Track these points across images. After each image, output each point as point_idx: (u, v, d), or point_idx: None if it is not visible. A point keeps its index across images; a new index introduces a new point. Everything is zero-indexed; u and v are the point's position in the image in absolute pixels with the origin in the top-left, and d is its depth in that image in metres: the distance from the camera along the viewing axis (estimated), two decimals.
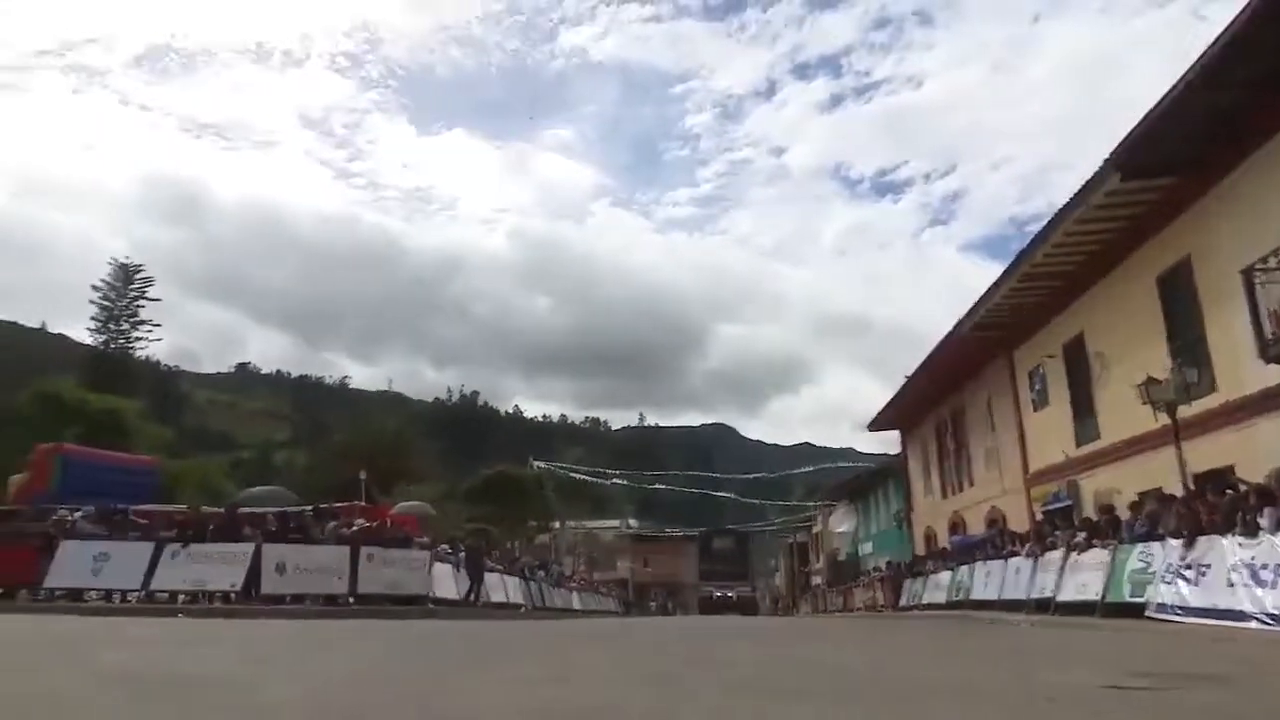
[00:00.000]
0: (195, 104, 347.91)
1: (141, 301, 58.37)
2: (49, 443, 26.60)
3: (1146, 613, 11.49)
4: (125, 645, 6.04)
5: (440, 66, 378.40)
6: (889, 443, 37.00)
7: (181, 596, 15.31)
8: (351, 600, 15.74)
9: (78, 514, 17.26)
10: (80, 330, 67.92)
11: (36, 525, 17.08)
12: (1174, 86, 11.96)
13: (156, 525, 17.38)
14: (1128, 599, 12.28)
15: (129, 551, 15.86)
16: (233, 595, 15.11)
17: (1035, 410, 21.72)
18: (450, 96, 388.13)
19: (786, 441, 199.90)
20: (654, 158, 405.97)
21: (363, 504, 23.90)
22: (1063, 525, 16.87)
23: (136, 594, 15.35)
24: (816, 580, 55.52)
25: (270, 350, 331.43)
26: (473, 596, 19.41)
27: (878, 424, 34.25)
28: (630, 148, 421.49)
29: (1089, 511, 17.53)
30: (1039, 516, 20.31)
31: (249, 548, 15.70)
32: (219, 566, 15.48)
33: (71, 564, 15.63)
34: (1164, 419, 13.89)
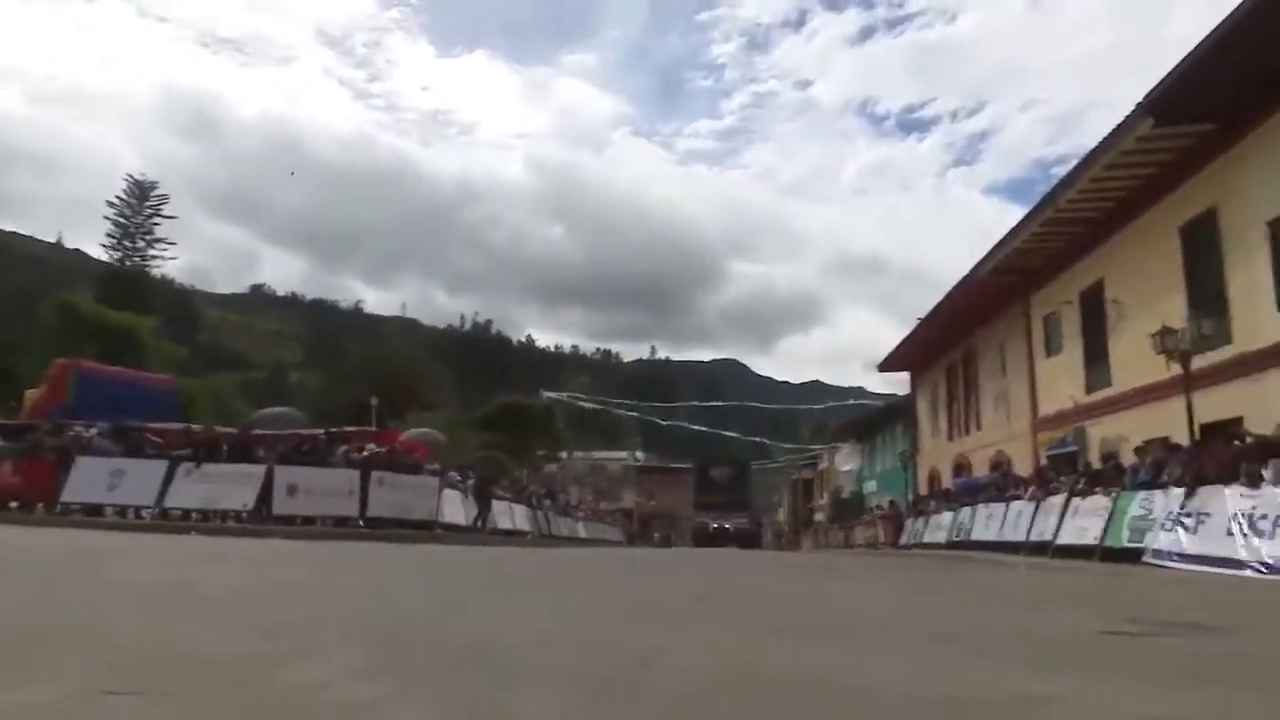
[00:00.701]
0: (214, 17, 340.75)
1: (157, 219, 58.17)
2: (66, 358, 26.90)
3: (1144, 558, 11.60)
4: (138, 559, 6.19)
5: None
6: (899, 384, 37.07)
7: (194, 514, 15.60)
8: (361, 523, 16.02)
9: (93, 430, 17.49)
10: (95, 246, 67.97)
11: (53, 440, 17.36)
12: (1213, 32, 11.58)
13: (171, 443, 17.66)
14: (1126, 544, 12.38)
15: (143, 469, 16.12)
16: (244, 515, 15.40)
17: (1048, 356, 21.63)
18: (472, 17, 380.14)
19: (797, 379, 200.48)
20: (676, 87, 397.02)
21: (374, 429, 24.20)
22: (1067, 471, 16.95)
23: (150, 511, 15.66)
24: (819, 516, 56.25)
25: (285, 272, 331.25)
26: (480, 523, 19.77)
27: (889, 365, 34.22)
28: (653, 76, 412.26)
29: (1094, 458, 17.59)
30: (1044, 461, 20.39)
31: (261, 469, 15.95)
32: (231, 486, 15.74)
33: (88, 480, 15.91)
34: (1176, 369, 13.81)
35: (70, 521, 14.90)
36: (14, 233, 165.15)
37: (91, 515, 15.61)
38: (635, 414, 69.36)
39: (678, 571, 9.18)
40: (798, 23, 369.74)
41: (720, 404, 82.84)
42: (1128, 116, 13.86)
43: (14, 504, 16.59)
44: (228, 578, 5.05)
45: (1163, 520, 11.66)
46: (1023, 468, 21.42)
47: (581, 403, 57.01)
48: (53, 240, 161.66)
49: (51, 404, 23.04)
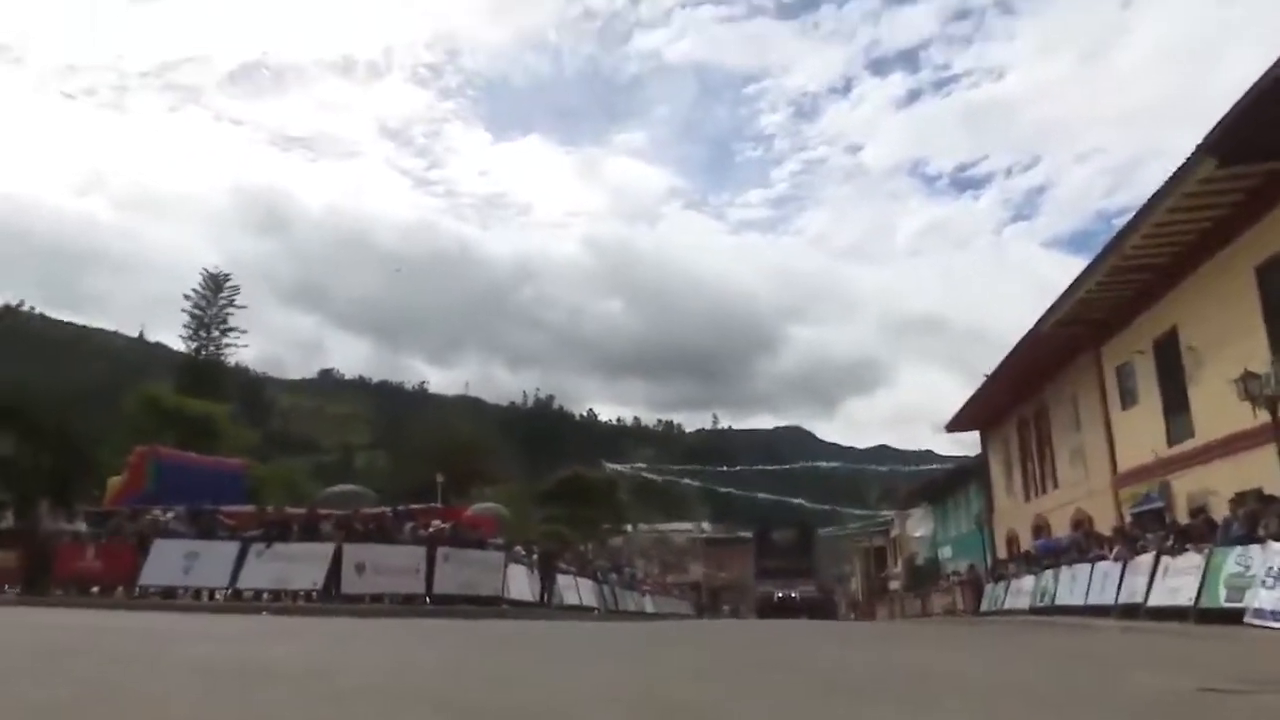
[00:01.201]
0: (284, 118, 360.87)
1: (230, 309, 60.67)
2: (147, 445, 27.86)
3: (1245, 619, 10.92)
4: (211, 640, 6.26)
5: (516, 74, 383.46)
6: (968, 445, 36.08)
7: (265, 594, 15.80)
8: (428, 600, 16.02)
9: (169, 515, 17.95)
10: (174, 338, 70.95)
11: (133, 525, 17.86)
12: (1273, 66, 11.36)
13: (243, 525, 18.02)
14: (1223, 604, 11.70)
15: (217, 551, 16.44)
16: (314, 594, 15.53)
17: (1124, 408, 20.89)
18: (526, 103, 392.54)
19: (863, 444, 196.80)
20: (727, 159, 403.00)
21: (439, 505, 24.39)
22: (1153, 528, 16.18)
23: (224, 592, 15.92)
24: (894, 584, 54.49)
25: (352, 356, 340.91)
26: (546, 597, 19.60)
27: (957, 424, 33.39)
28: (703, 149, 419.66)
29: (1181, 513, 16.79)
30: (1128, 518, 19.52)
31: (330, 547, 16.13)
32: (301, 565, 15.93)
33: (164, 562, 16.27)
34: (1263, 415, 13.19)
35: (147, 604, 15.23)
36: (100, 329, 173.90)
37: (167, 597, 15.95)
38: (698, 483, 68.63)
39: (747, 645, 8.94)
40: (844, 89, 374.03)
41: (783, 467, 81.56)
42: (1189, 159, 13.60)
43: (95, 589, 17.07)
44: (296, 656, 5.07)
45: (1263, 577, 10.99)
46: (1104, 526, 20.50)
47: (644, 474, 56.66)
48: (134, 335, 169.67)
49: (132, 490, 23.80)
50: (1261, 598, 10.88)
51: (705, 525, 73.88)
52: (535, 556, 20.79)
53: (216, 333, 59.77)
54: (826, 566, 51.67)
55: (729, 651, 6.59)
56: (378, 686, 2.98)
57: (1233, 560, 11.94)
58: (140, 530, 17.30)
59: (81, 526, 18.38)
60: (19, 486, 32.36)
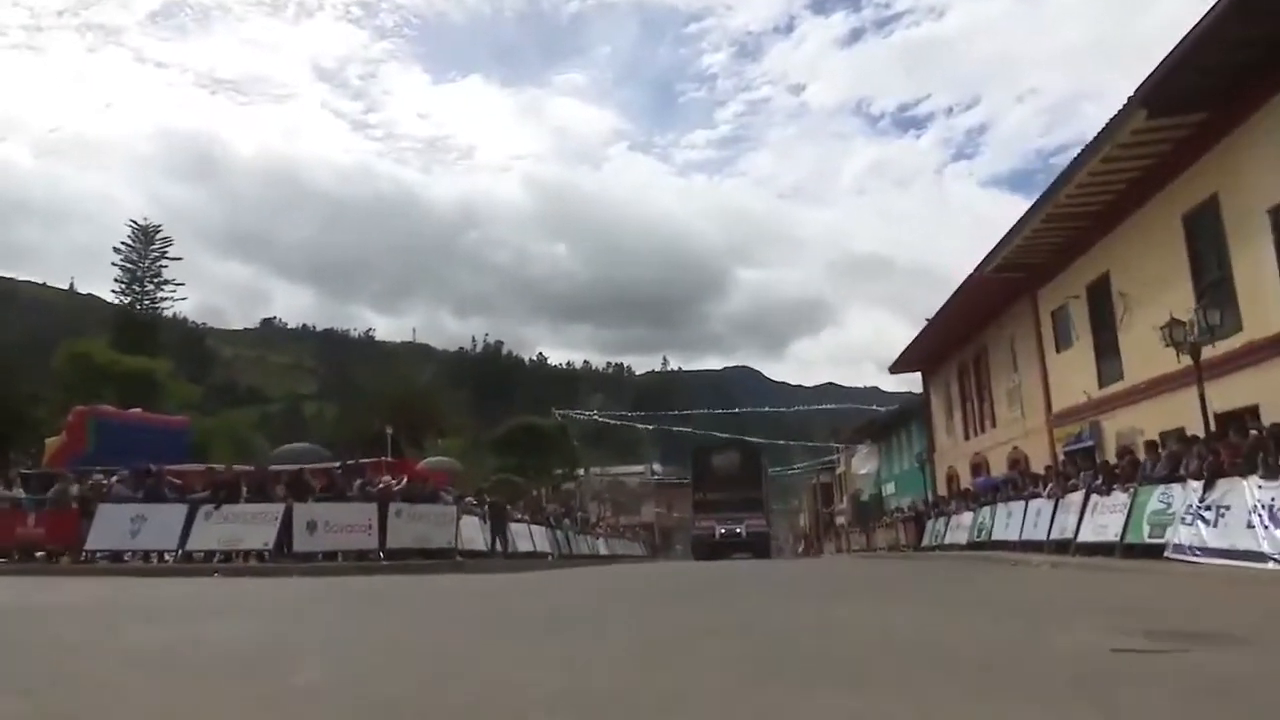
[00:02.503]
0: (210, 59, 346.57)
1: (164, 261, 58.98)
2: (83, 405, 27.17)
3: (1165, 553, 11.52)
4: (159, 619, 6.27)
5: (454, 12, 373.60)
6: (913, 382, 36.97)
7: (216, 555, 15.71)
8: (381, 556, 16.09)
9: (114, 479, 17.63)
10: (106, 290, 68.73)
11: (77, 488, 17.51)
12: (1203, 18, 11.58)
13: (192, 484, 17.80)
14: (1147, 540, 12.33)
15: (164, 513, 16.26)
16: (266, 554, 15.49)
17: (1058, 351, 21.57)
18: (465, 43, 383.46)
19: (810, 382, 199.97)
20: (670, 100, 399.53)
21: (389, 459, 24.31)
22: (1085, 466, 16.87)
23: (173, 554, 15.79)
24: (840, 520, 56.07)
25: (296, 304, 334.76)
26: (500, 546, 19.84)
27: (899, 366, 34.17)
28: (646, 90, 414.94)
29: (1110, 452, 17.50)
30: (1061, 457, 20.29)
31: (280, 507, 16.06)
32: (252, 526, 15.87)
33: (110, 527, 16.07)
34: (1186, 360, 13.75)
35: (95, 570, 15.06)
36: (28, 281, 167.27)
37: (115, 561, 15.78)
38: (650, 426, 69.30)
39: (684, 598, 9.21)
40: (786, 28, 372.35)
41: (735, 410, 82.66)
42: (1121, 110, 13.88)
43: (39, 554, 16.78)
44: (239, 634, 5.12)
45: (1182, 514, 11.58)
46: (1039, 464, 21.32)
47: (595, 418, 56.99)
48: (65, 287, 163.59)
49: (72, 451, 23.28)
50: (1181, 534, 11.47)
51: (657, 467, 74.87)
52: (487, 508, 20.93)
53: (150, 285, 58.23)
54: (774, 499, 43.61)
55: (672, 614, 6.81)
56: (321, 686, 3.07)
57: (1155, 498, 12.55)
58: (83, 494, 17.00)
59: (19, 492, 17.95)
60: None
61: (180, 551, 15.80)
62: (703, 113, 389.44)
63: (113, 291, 59.71)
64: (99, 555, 16.07)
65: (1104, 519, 13.92)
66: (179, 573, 14.38)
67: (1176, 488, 12.08)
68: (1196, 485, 11.48)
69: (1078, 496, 15.28)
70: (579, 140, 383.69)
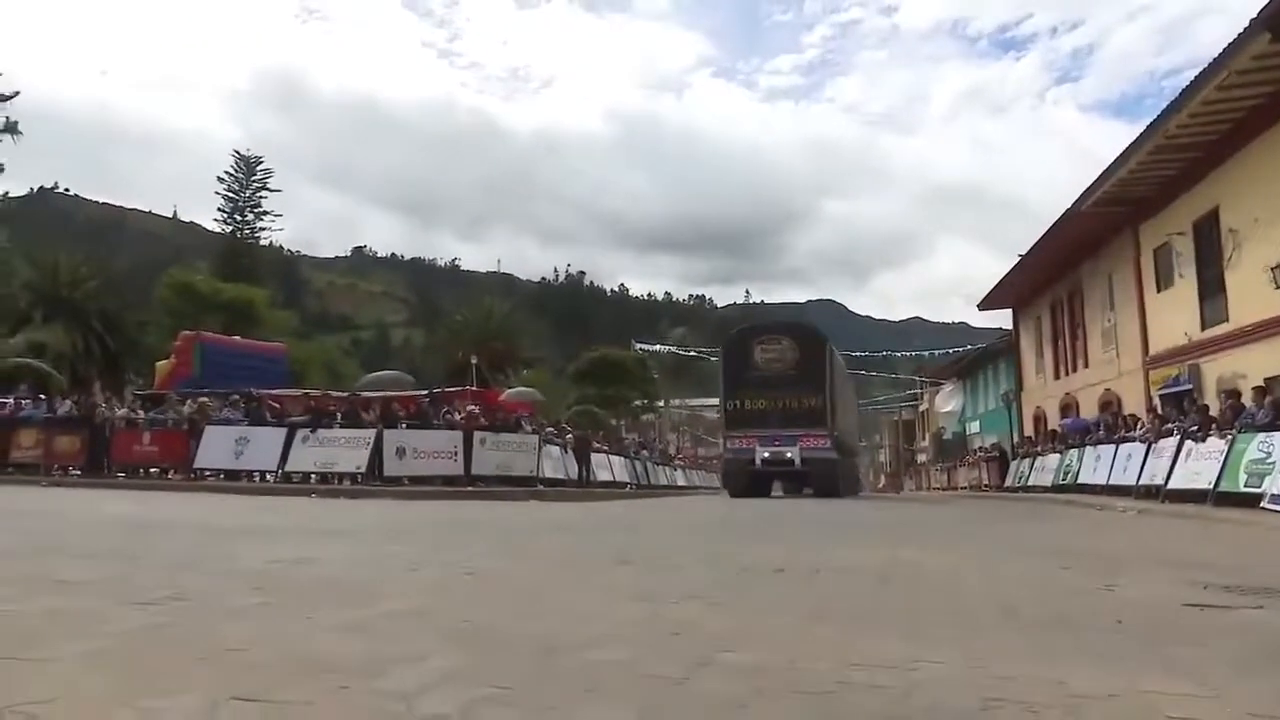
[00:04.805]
0: None
1: (264, 192, 60.86)
2: (189, 330, 28.66)
3: (1261, 504, 11.15)
4: (267, 537, 6.73)
5: None
6: (1003, 317, 35.84)
7: (313, 477, 16.61)
8: (472, 482, 16.76)
9: (224, 408, 18.61)
10: (207, 219, 71.63)
11: (183, 410, 18.66)
12: None
13: (288, 408, 18.77)
14: (1242, 489, 11.93)
15: (265, 436, 17.23)
16: (358, 477, 16.30)
17: (1159, 290, 20.64)
18: None
19: (896, 317, 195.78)
20: (755, 23, 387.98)
21: (474, 388, 25.03)
22: (1181, 410, 16.29)
23: (274, 474, 16.76)
24: (921, 458, 55.45)
25: (385, 234, 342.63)
26: (583, 477, 20.44)
27: (989, 303, 33.13)
28: (731, 14, 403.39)
29: (1210, 397, 16.82)
30: (1156, 400, 19.60)
31: (371, 433, 16.81)
32: (345, 450, 16.68)
33: (216, 447, 17.14)
34: None
35: (203, 486, 16.15)
36: (135, 209, 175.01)
37: (230, 479, 16.85)
38: None
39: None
40: None
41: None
42: (1242, 33, 12.93)
43: (153, 470, 18.06)
44: (335, 557, 5.47)
45: None
46: (1133, 407, 20.64)
47: (675, 352, 57.17)
48: (169, 215, 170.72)
49: (180, 374, 24.71)
50: (1279, 484, 11.06)
51: None
52: (569, 438, 21.47)
53: (251, 215, 60.23)
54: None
55: (740, 551, 6.99)
56: (412, 613, 3.30)
57: (1255, 446, 12.09)
58: (191, 416, 18.10)
59: (139, 413, 19.23)
60: (71, 371, 33.66)
61: (280, 472, 16.76)
62: (789, 37, 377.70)
63: (214, 220, 62.23)
64: (206, 473, 17.18)
65: (1198, 465, 13.49)
66: (279, 492, 15.29)
67: (1278, 436, 11.61)
68: None
69: (1171, 441, 14.82)
70: (661, 67, 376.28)
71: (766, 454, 21.51)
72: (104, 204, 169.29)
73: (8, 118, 38.69)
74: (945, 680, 2.28)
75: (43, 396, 20.90)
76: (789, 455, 21.48)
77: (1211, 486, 12.63)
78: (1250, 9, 12.69)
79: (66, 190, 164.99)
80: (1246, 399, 13.97)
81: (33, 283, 40.56)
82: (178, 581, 3.88)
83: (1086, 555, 6.31)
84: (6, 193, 43.29)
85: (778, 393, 21.99)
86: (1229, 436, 12.94)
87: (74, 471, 18.03)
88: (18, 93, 39.27)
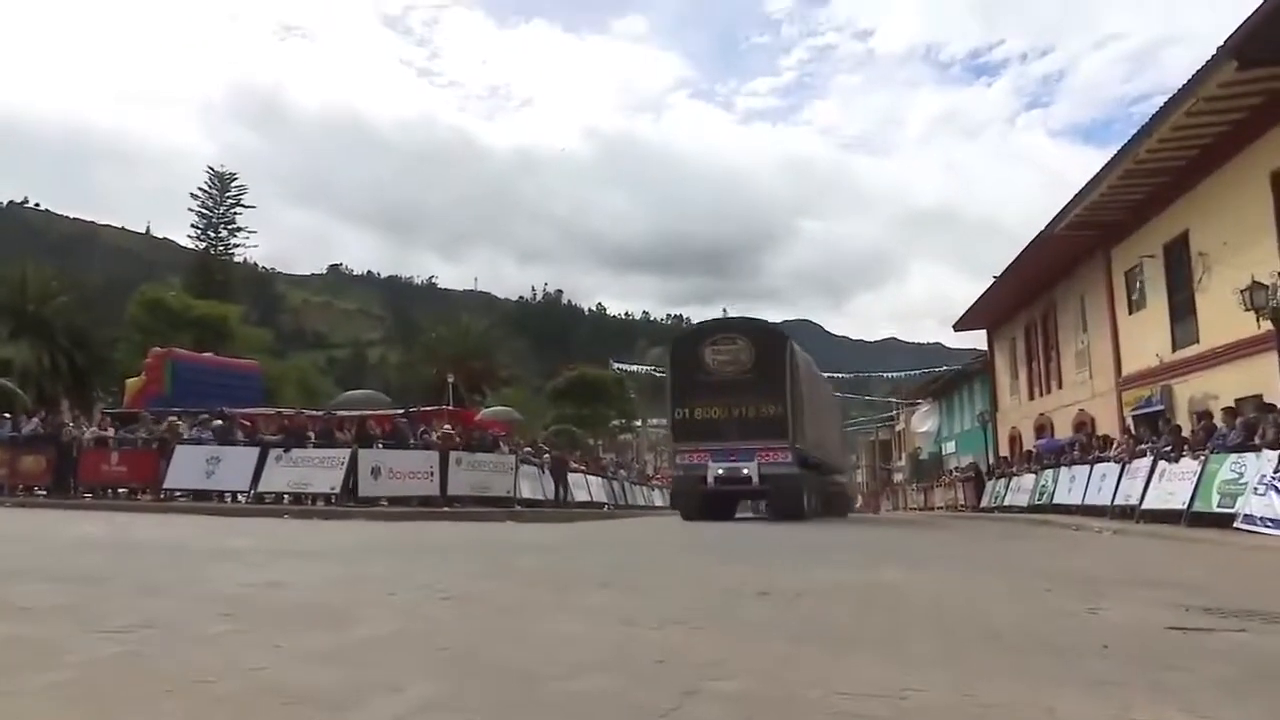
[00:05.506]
0: (279, 5, 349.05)
1: (238, 208, 60.42)
2: (161, 347, 28.27)
3: (1234, 524, 11.26)
4: (231, 559, 6.59)
5: None
6: (978, 338, 36.18)
7: (286, 497, 16.35)
8: (449, 502, 16.56)
9: (194, 427, 18.30)
10: (181, 235, 70.90)
11: (154, 429, 18.34)
12: None
13: (259, 428, 18.49)
14: (1215, 509, 12.06)
15: (238, 456, 16.94)
16: (333, 498, 16.06)
17: (1131, 312, 20.91)
18: None
19: (871, 337, 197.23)
20: (733, 46, 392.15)
21: (450, 408, 24.84)
22: (1154, 430, 16.46)
23: (246, 495, 16.47)
24: (898, 477, 55.66)
25: (362, 251, 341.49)
26: (561, 496, 20.29)
27: (964, 323, 33.46)
28: (708, 36, 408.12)
29: (1182, 417, 17.02)
30: (1129, 421, 19.80)
31: (346, 453, 16.59)
32: (319, 470, 16.44)
33: (187, 467, 16.82)
34: (1268, 324, 13.23)
35: (173, 507, 15.83)
36: (107, 225, 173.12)
37: (199, 500, 16.51)
38: None
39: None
40: None
41: None
42: (1209, 60, 13.19)
43: (122, 490, 17.70)
44: (310, 580, 5.35)
45: (1255, 484, 11.28)
46: (1106, 428, 20.84)
47: (653, 373, 57.11)
48: (142, 230, 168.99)
49: (150, 392, 24.34)
50: (1252, 504, 11.20)
51: None
52: (546, 458, 21.33)
53: (225, 232, 59.74)
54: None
55: (721, 573, 6.94)
56: (386, 639, 3.23)
57: (1228, 467, 12.23)
58: (161, 436, 17.78)
59: (109, 431, 18.88)
60: (37, 389, 33.06)
61: (252, 493, 16.49)
62: (766, 60, 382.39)
63: (188, 236, 61.64)
64: (176, 494, 16.86)
65: (1172, 486, 13.62)
66: (251, 513, 15.03)
67: (1250, 457, 11.77)
68: (1272, 455, 11.18)
69: (1145, 462, 14.97)
70: (640, 88, 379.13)
71: (720, 470, 18.63)
72: (76, 219, 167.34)
73: None
74: (936, 709, 2.24)
75: (7, 415, 20.47)
76: (745, 471, 18.58)
77: (1185, 507, 12.76)
78: (1217, 37, 13.00)
79: (37, 205, 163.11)
80: (1218, 420, 14.16)
81: None
82: (145, 607, 3.76)
83: (1067, 576, 6.31)
84: None
85: (732, 400, 18.84)
86: (1201, 457, 13.08)
87: (39, 492, 17.64)
88: None
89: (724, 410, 18.80)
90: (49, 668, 2.50)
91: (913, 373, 49.92)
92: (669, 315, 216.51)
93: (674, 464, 21.07)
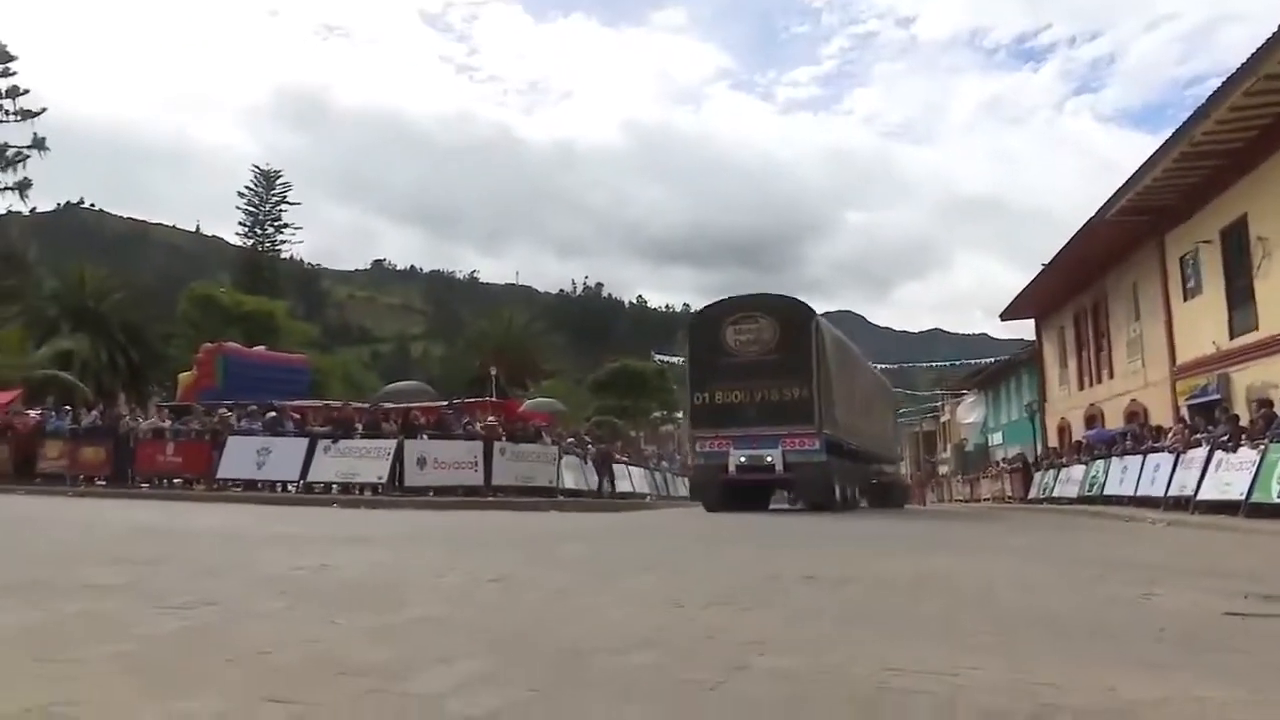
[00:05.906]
0: (321, 6, 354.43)
1: (283, 206, 61.54)
2: (212, 342, 28.88)
3: None
4: (284, 545, 6.73)
5: None
6: (1025, 328, 35.48)
7: (334, 487, 16.64)
8: (490, 494, 16.72)
9: (243, 418, 18.70)
10: (229, 232, 72.47)
11: (207, 421, 18.78)
12: None
13: (308, 420, 18.84)
14: (1275, 499, 11.70)
15: (287, 446, 17.28)
16: (379, 487, 16.30)
17: (1186, 299, 20.35)
18: None
19: (915, 328, 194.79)
20: (772, 36, 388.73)
21: (493, 400, 25.06)
22: (1210, 420, 16.03)
23: (295, 485, 16.81)
24: (943, 469, 54.95)
25: (404, 246, 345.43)
26: (605, 488, 20.40)
27: (1011, 313, 32.82)
28: (748, 26, 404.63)
29: (1240, 406, 16.55)
30: (1184, 410, 19.32)
31: (392, 443, 16.82)
32: (366, 460, 16.70)
33: (239, 458, 17.21)
34: None
35: (226, 497, 16.22)
36: (159, 224, 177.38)
37: (249, 490, 16.90)
38: None
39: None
40: None
41: None
42: (1271, 37, 12.76)
43: (177, 480, 18.18)
44: (359, 563, 5.45)
45: None
46: (1159, 418, 20.35)
47: None
48: (192, 229, 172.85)
49: (203, 385, 24.86)
50: None
51: None
52: (590, 449, 21.43)
53: (271, 229, 60.84)
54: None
55: (769, 558, 6.94)
56: (438, 618, 3.27)
57: None
58: (214, 427, 18.20)
59: (166, 423, 19.39)
60: (96, 382, 34.03)
61: (302, 483, 16.81)
62: (807, 49, 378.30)
63: (236, 234, 62.98)
64: (230, 483, 17.26)
65: (1229, 476, 13.25)
66: (301, 502, 15.32)
67: None
68: None
69: (1201, 451, 14.58)
70: (679, 79, 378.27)
71: (742, 458, 17.34)
72: (128, 218, 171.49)
73: (35, 134, 39.44)
74: (990, 686, 2.22)
75: (68, 408, 21.12)
76: (769, 459, 17.24)
77: (1244, 497, 12.40)
78: (1277, 13, 12.57)
79: (92, 205, 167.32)
80: (1278, 408, 13.73)
81: (59, 294, 41.09)
82: (204, 587, 3.86)
83: (1121, 565, 6.19)
84: (34, 208, 43.98)
85: (754, 383, 17.54)
86: (1261, 446, 12.70)
87: (99, 482, 18.18)
88: (45, 109, 40.02)
89: (746, 394, 17.62)
90: (116, 640, 2.58)
91: (957, 363, 49.05)
92: None
93: (693, 452, 19.67)
